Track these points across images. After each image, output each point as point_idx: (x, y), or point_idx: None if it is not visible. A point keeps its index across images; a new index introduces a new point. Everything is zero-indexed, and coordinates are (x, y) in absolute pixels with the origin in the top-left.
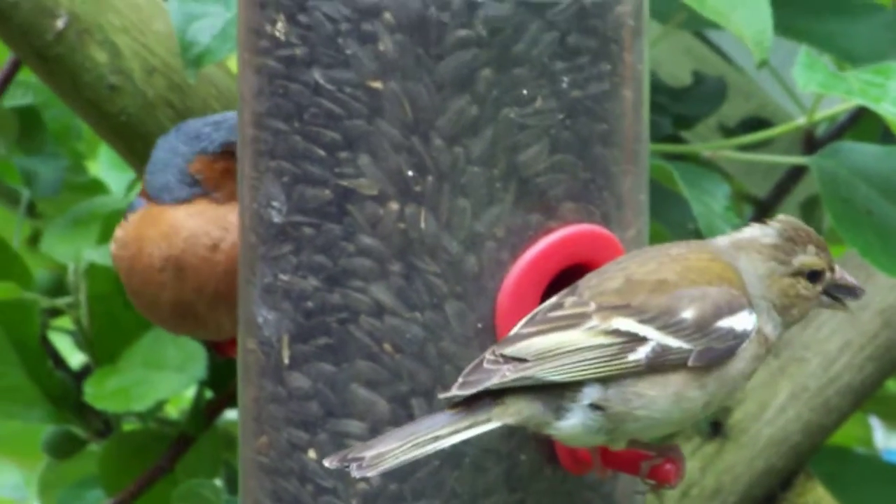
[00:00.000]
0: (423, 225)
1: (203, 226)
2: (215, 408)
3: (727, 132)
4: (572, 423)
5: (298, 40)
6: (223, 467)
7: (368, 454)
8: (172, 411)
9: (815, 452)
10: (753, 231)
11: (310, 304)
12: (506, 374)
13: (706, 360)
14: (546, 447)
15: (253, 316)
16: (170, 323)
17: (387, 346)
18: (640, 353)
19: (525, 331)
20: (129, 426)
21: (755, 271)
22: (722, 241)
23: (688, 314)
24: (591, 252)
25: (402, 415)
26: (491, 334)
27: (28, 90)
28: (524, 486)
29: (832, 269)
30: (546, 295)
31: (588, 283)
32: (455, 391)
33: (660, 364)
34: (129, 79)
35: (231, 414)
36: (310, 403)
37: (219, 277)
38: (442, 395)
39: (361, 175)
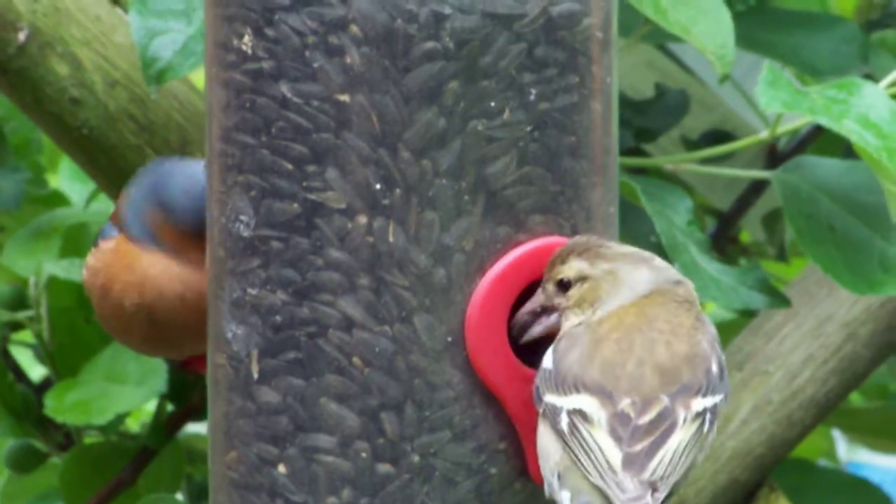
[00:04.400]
0: (391, 238)
1: (172, 282)
2: (176, 421)
3: (690, 145)
4: None
5: (265, 54)
6: (185, 481)
7: None
8: (133, 425)
9: (778, 465)
10: None
11: (278, 318)
12: None
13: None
14: (516, 461)
15: (222, 331)
16: (139, 349)
17: (356, 360)
18: (708, 423)
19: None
20: (90, 440)
21: None
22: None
23: (714, 367)
24: None
25: (372, 429)
26: (460, 347)
27: None
28: (494, 499)
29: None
30: (515, 308)
31: (616, 384)
32: None
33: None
34: (90, 91)
35: (193, 427)
36: (279, 418)
37: (188, 319)
38: None
39: (329, 188)
